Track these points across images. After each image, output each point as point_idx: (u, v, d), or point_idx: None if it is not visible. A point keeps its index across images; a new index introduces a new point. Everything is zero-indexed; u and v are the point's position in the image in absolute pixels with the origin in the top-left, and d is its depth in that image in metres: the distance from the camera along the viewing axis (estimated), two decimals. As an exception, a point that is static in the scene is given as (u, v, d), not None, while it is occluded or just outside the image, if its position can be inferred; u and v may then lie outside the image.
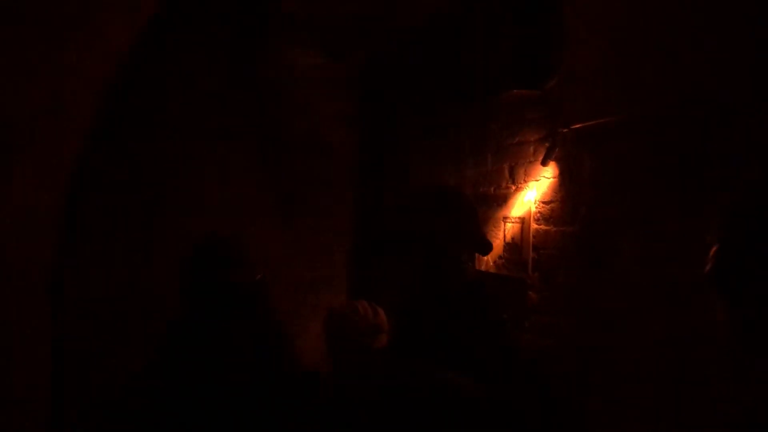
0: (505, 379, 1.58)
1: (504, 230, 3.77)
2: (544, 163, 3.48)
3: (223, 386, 2.32)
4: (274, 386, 2.42)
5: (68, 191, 3.61)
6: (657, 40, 2.94)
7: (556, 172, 3.45)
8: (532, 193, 3.60)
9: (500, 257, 3.79)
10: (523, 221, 3.63)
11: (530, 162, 3.65)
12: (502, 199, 3.81)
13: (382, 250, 4.23)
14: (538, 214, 3.55)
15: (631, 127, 3.04)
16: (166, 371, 2.35)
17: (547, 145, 3.49)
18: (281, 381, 2.46)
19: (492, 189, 3.95)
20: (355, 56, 5.04)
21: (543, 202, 3.53)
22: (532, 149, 3.64)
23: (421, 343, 1.60)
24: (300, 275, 5.06)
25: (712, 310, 2.73)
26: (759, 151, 2.62)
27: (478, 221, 1.80)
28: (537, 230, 3.56)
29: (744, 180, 2.83)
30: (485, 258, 3.92)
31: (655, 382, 2.87)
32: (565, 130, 3.37)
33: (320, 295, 5.07)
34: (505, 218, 3.78)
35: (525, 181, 3.67)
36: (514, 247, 3.68)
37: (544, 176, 3.53)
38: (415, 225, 1.72)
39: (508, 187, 3.81)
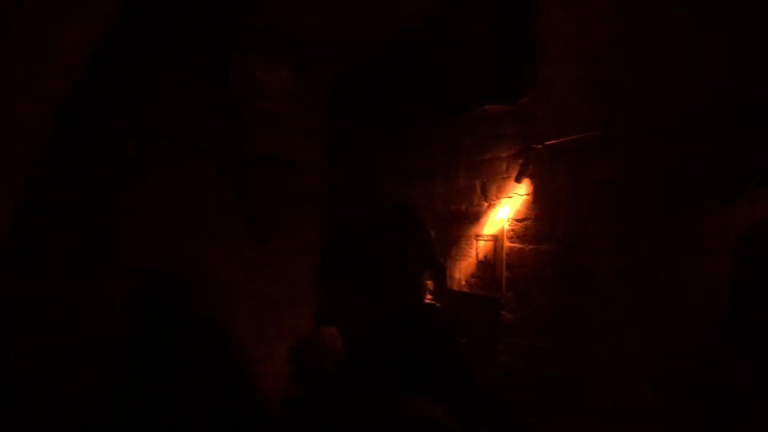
0: (462, 404, 1.44)
1: (476, 248, 3.65)
2: (517, 180, 3.38)
3: (175, 421, 2.19)
4: (228, 420, 2.32)
5: (18, 212, 3.38)
6: (634, 56, 2.87)
7: (530, 189, 3.35)
8: (505, 211, 3.49)
9: (473, 276, 3.67)
10: (496, 239, 3.52)
11: (503, 178, 3.54)
12: (474, 217, 3.70)
13: (338, 273, 4.10)
14: (512, 232, 3.45)
15: (607, 144, 2.96)
16: (114, 403, 2.23)
17: (520, 161, 3.39)
18: (234, 415, 2.35)
19: (463, 206, 3.83)
20: (325, 69, 4.91)
21: (516, 220, 3.42)
22: (505, 165, 3.54)
23: (375, 370, 1.46)
24: (264, 295, 4.85)
25: (688, 329, 2.63)
26: (740, 174, 2.57)
27: (431, 241, 1.68)
28: (510, 248, 3.45)
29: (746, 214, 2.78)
30: (457, 276, 3.79)
31: (633, 397, 2.78)
32: (540, 147, 3.28)
33: (286, 316, 4.86)
34: (477, 236, 3.66)
35: (498, 198, 3.56)
36: (486, 265, 3.56)
37: (517, 193, 3.43)
38: (365, 247, 1.59)
39: (480, 204, 3.70)
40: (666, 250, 2.76)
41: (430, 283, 4.10)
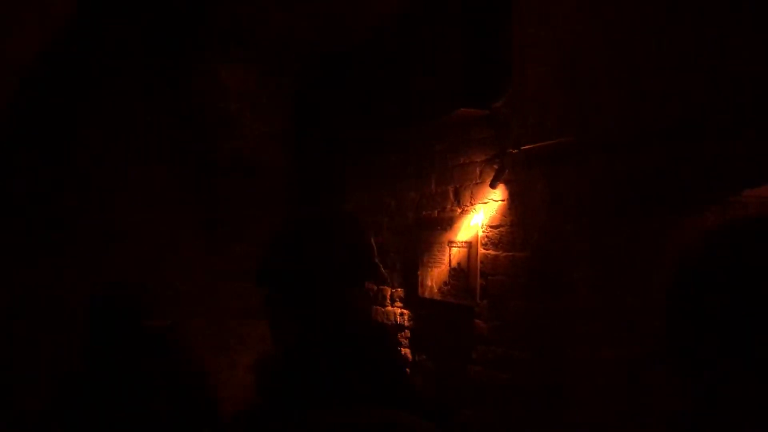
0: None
1: (449, 255, 3.54)
2: (492, 186, 3.28)
3: None
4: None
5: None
6: (610, 62, 2.81)
7: (506, 194, 3.25)
8: (479, 217, 3.39)
9: (445, 283, 3.55)
10: (469, 246, 3.41)
11: (477, 184, 3.44)
12: (447, 223, 3.58)
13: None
14: (486, 239, 3.34)
15: (582, 150, 2.89)
16: (67, 422, 2.08)
17: (495, 166, 3.30)
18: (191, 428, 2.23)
19: (436, 212, 3.72)
20: (290, 72, 4.75)
21: (491, 226, 3.32)
22: (478, 171, 3.44)
23: (313, 387, 1.31)
24: (226, 305, 4.64)
25: (661, 337, 2.60)
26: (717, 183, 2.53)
27: (372, 249, 1.53)
28: (485, 255, 3.34)
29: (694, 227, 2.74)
30: (429, 284, 3.67)
31: (607, 408, 2.70)
32: (515, 151, 3.19)
33: (249, 325, 4.67)
34: (450, 242, 3.55)
35: (471, 204, 3.46)
36: (460, 272, 3.45)
37: (492, 199, 3.33)
38: (299, 257, 1.43)
39: (453, 210, 3.59)
40: (639, 259, 2.71)
41: (400, 291, 3.98)
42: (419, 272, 3.74)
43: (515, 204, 3.20)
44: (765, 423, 0.70)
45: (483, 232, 3.35)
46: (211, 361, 3.84)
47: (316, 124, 4.72)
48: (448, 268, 3.52)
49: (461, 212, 3.52)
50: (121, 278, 2.49)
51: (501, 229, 3.27)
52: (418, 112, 3.67)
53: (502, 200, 3.27)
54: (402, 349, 3.93)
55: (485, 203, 3.36)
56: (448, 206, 3.62)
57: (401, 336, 3.93)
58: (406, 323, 3.91)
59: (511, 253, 3.22)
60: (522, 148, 3.14)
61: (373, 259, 1.50)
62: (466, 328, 3.42)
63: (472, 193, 3.47)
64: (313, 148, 4.72)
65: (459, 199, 3.56)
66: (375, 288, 4.19)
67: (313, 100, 4.76)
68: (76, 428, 2.13)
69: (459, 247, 3.47)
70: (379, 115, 4.03)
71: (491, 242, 3.32)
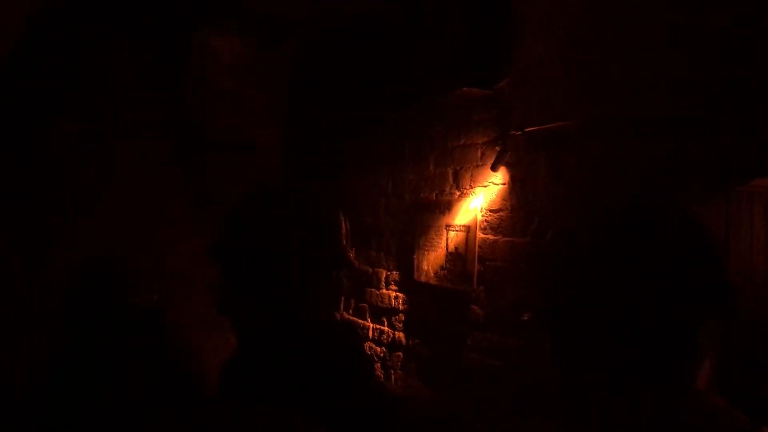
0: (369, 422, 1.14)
1: (446, 239, 3.40)
2: (493, 168, 3.13)
3: (112, 415, 1.90)
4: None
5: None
6: (622, 42, 2.65)
7: (507, 178, 3.11)
8: (479, 200, 3.25)
9: (442, 268, 3.42)
10: (468, 230, 3.27)
11: (477, 166, 3.29)
12: (445, 206, 3.44)
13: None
14: (485, 223, 3.20)
15: (590, 132, 2.74)
16: (48, 405, 1.94)
17: (497, 148, 3.14)
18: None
19: (434, 195, 3.57)
20: (287, 45, 4.56)
21: (491, 210, 3.18)
22: (479, 153, 3.29)
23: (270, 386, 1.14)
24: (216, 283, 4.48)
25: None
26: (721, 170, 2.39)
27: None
28: (483, 240, 3.21)
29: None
30: (425, 268, 3.54)
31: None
32: (518, 133, 3.04)
33: (241, 304, 4.52)
34: (448, 226, 3.41)
35: (471, 187, 3.31)
36: (457, 257, 3.31)
37: (492, 182, 3.18)
38: (258, 236, 1.22)
39: (452, 193, 3.44)
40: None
41: (396, 274, 3.84)
42: (415, 256, 3.61)
43: (516, 188, 3.05)
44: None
45: (482, 216, 3.21)
46: (198, 340, 3.71)
47: (315, 101, 4.55)
48: (445, 252, 3.38)
49: (460, 195, 3.37)
50: (104, 253, 2.32)
51: (501, 213, 3.13)
52: (418, 91, 3.51)
53: (503, 184, 3.12)
54: (396, 333, 3.80)
55: (485, 186, 3.22)
56: (447, 189, 3.47)
57: (395, 320, 3.80)
58: (401, 307, 3.78)
59: (510, 239, 3.08)
60: (525, 130, 2.99)
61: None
62: (462, 313, 3.29)
63: (472, 175, 3.32)
64: (311, 126, 4.55)
65: (458, 182, 3.41)
66: (370, 270, 4.05)
67: (311, 76, 4.58)
68: (58, 410, 2.01)
69: (457, 231, 3.33)
70: (379, 93, 3.86)
71: (490, 227, 3.18)
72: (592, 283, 0.91)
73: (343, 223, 1.32)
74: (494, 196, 3.16)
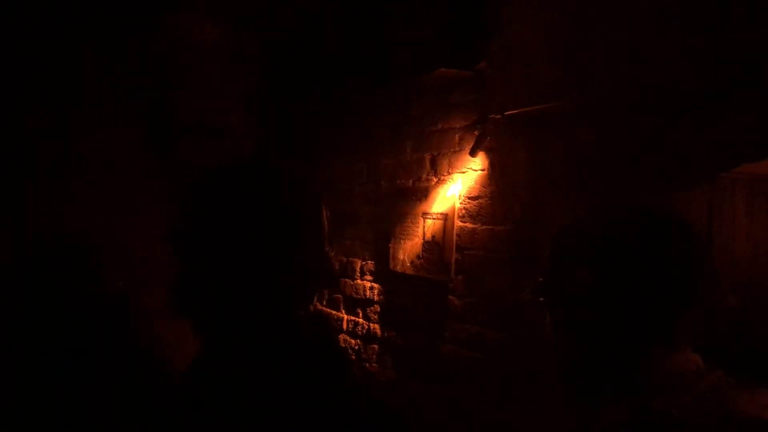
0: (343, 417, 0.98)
1: (423, 227, 3.24)
2: (472, 154, 2.97)
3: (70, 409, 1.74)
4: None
5: None
6: (609, 21, 2.50)
7: (486, 163, 2.95)
8: (457, 187, 3.08)
9: (418, 257, 3.25)
10: (445, 218, 3.11)
11: (455, 152, 3.13)
12: (422, 193, 3.27)
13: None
14: (464, 211, 3.04)
15: (575, 115, 2.59)
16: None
17: (476, 133, 2.98)
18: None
19: (411, 181, 3.40)
20: (259, 27, 4.34)
21: (469, 198, 3.02)
22: (457, 137, 3.13)
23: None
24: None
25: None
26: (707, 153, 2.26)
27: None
28: (462, 228, 3.05)
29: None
30: (401, 257, 3.37)
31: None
32: (498, 117, 2.88)
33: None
34: (424, 214, 3.25)
35: (449, 173, 3.15)
36: (434, 246, 3.15)
37: (471, 168, 3.02)
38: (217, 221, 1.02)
39: (429, 180, 3.28)
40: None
41: (371, 264, 3.67)
42: (391, 244, 3.44)
43: (496, 174, 2.90)
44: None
45: (460, 203, 3.05)
46: (170, 331, 3.54)
47: (289, 84, 4.34)
48: (422, 240, 3.22)
49: (437, 182, 3.20)
50: (58, 240, 2.09)
51: (480, 200, 2.97)
52: (395, 73, 3.33)
53: (483, 170, 2.96)
54: (371, 324, 3.64)
55: (464, 173, 3.06)
56: (424, 175, 3.30)
57: (370, 311, 3.64)
58: (376, 297, 3.61)
59: (490, 227, 2.93)
60: (506, 113, 2.83)
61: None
62: (440, 304, 3.13)
63: (450, 161, 3.16)
64: (285, 111, 4.35)
65: (436, 168, 3.24)
66: (344, 260, 3.88)
67: (284, 59, 4.37)
68: (13, 410, 1.82)
69: (434, 219, 3.17)
70: (355, 75, 3.67)
71: (469, 214, 3.02)
72: (589, 279, 0.98)
73: (326, 222, 1.09)
74: (473, 182, 3.00)
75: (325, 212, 1.08)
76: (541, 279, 1.09)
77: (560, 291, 1.03)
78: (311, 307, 1.15)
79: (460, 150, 3.08)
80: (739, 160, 2.34)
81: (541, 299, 1.06)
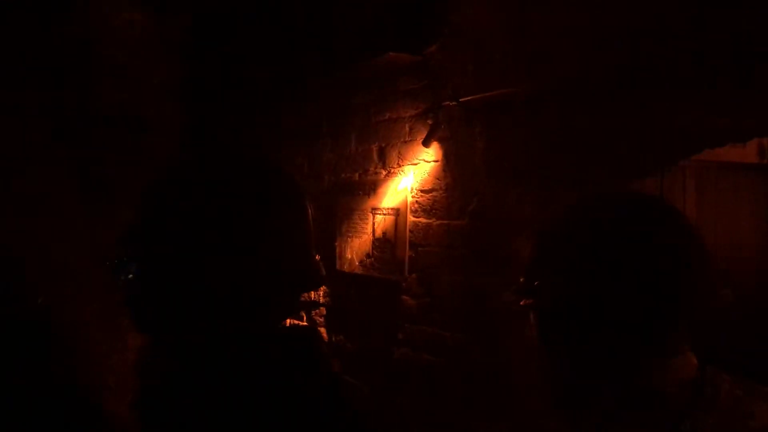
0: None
1: (373, 224, 2.98)
2: (425, 144, 2.74)
3: None
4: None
5: None
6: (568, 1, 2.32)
7: (440, 154, 2.72)
8: (409, 180, 2.85)
9: (368, 256, 3.00)
10: (397, 213, 2.87)
11: (406, 142, 2.89)
12: (371, 187, 3.01)
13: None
14: (417, 205, 2.81)
15: (533, 102, 2.40)
16: None
17: (429, 122, 2.75)
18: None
19: (357, 175, 3.13)
20: (184, 14, 3.95)
21: (422, 191, 2.79)
22: (408, 127, 2.89)
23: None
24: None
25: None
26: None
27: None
28: (415, 224, 2.81)
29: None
30: (349, 256, 3.11)
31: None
32: (453, 104, 2.65)
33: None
34: (374, 209, 2.99)
35: (399, 165, 2.91)
36: (385, 243, 2.91)
37: (424, 159, 2.79)
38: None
39: (377, 173, 3.02)
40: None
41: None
42: (337, 243, 3.17)
43: (451, 165, 2.68)
44: None
45: (413, 197, 2.82)
46: (99, 344, 3.20)
47: (219, 73, 3.97)
48: (371, 238, 2.96)
49: (387, 175, 2.95)
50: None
51: (434, 193, 2.75)
52: (338, 59, 3.05)
53: (436, 161, 2.74)
54: (317, 328, 3.36)
55: (416, 164, 2.82)
56: (372, 168, 3.05)
57: (315, 314, 3.36)
58: (321, 299, 3.33)
59: (445, 222, 2.71)
60: (460, 100, 2.61)
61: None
62: (392, 305, 2.89)
63: (400, 152, 2.91)
64: (216, 101, 3.98)
65: (384, 160, 2.99)
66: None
67: (211, 44, 4.00)
68: None
69: (385, 214, 2.92)
70: (294, 61, 3.36)
71: (422, 209, 2.79)
72: (578, 280, 0.86)
73: (311, 221, 0.93)
74: (426, 174, 2.77)
75: (309, 210, 0.92)
76: (522, 279, 0.95)
77: (547, 293, 0.89)
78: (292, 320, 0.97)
79: (411, 140, 2.84)
80: (699, 146, 2.22)
81: (524, 302, 0.93)
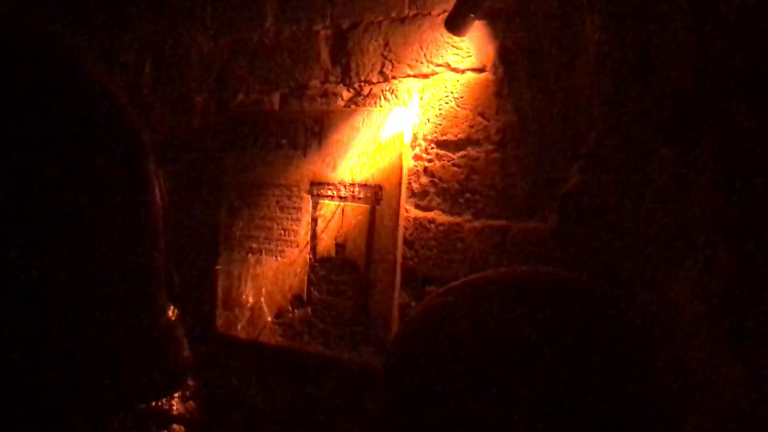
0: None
1: (312, 221, 1.24)
2: (452, 28, 1.09)
3: None
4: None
5: None
6: None
7: (490, 52, 1.07)
8: (408, 117, 1.16)
9: (298, 300, 1.24)
10: (375, 195, 1.16)
11: (403, 21, 1.18)
12: (310, 131, 1.26)
13: None
14: (426, 178, 1.13)
15: None
16: None
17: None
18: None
19: (277, 97, 1.35)
20: None
21: (442, 144, 1.13)
22: (403, -12, 1.18)
23: None
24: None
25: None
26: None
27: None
28: (419, 224, 1.13)
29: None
30: (250, 300, 1.33)
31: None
32: None
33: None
34: (316, 186, 1.25)
35: (385, 79, 1.19)
36: (343, 270, 1.18)
37: (447, 65, 1.13)
38: None
39: (327, 95, 1.26)
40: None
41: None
42: (220, 266, 1.37)
43: (518, 81, 1.03)
44: None
45: (417, 158, 1.13)
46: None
47: None
48: (308, 257, 1.22)
49: (352, 100, 1.22)
50: None
51: (471, 150, 1.09)
52: None
53: (479, 69, 1.09)
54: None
55: (426, 77, 1.14)
56: (315, 82, 1.29)
57: None
58: (176, 409, 1.52)
59: (497, 223, 1.06)
60: None
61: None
62: (354, 420, 1.18)
63: (387, 45, 1.19)
64: None
65: (346, 64, 1.25)
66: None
67: None
68: None
69: (343, 197, 1.19)
70: None
71: (439, 188, 1.11)
72: None
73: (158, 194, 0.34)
74: (453, 104, 1.11)
75: (155, 183, 0.34)
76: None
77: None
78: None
79: (415, 17, 1.14)
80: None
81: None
